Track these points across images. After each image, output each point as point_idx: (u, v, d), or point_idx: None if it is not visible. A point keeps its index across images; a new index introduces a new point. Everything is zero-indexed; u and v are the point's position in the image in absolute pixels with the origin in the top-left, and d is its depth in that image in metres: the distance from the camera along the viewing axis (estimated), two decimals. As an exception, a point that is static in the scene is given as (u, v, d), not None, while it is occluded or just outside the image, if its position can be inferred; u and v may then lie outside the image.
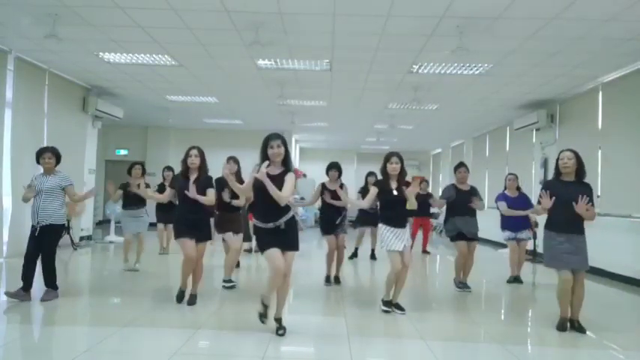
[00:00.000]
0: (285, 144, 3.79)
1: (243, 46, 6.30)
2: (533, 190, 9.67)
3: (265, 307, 3.80)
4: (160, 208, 7.66)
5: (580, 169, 4.13)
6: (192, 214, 4.54)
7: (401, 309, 4.55)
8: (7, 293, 4.54)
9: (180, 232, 4.57)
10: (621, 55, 6.32)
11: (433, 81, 7.93)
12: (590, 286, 6.63)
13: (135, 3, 5.19)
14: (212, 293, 5.24)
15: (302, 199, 9.59)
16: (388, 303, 4.60)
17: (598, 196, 7.53)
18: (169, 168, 8.00)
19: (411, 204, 4.48)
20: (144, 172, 6.57)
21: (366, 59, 6.93)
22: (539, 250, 8.84)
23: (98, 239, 10.04)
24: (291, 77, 8.01)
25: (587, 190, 4.09)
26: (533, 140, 9.98)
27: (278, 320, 3.81)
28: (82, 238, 9.31)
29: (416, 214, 9.01)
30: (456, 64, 7.00)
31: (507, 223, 6.39)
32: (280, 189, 3.62)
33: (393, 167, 4.54)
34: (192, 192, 4.41)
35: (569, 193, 4.03)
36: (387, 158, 4.61)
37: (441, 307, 5.13)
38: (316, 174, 12.80)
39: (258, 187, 3.65)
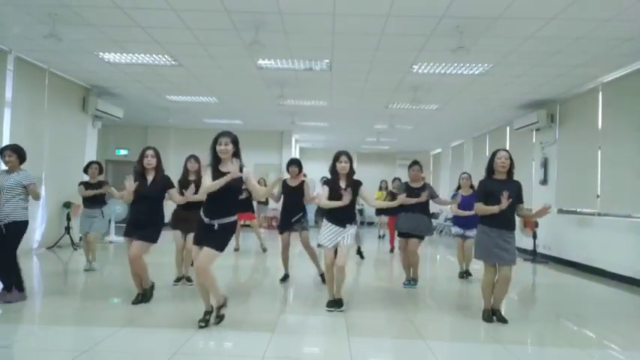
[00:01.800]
0: (234, 142, 3.90)
1: (243, 46, 6.30)
2: (533, 190, 9.70)
3: (205, 312, 3.95)
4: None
5: (511, 168, 4.38)
6: (143, 215, 4.54)
7: (339, 305, 4.55)
8: None
9: (126, 232, 4.61)
10: (621, 55, 6.32)
11: (433, 81, 7.93)
12: (590, 286, 6.71)
13: (135, 3, 5.19)
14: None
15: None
16: (331, 303, 4.62)
17: (598, 196, 7.55)
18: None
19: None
20: (101, 171, 6.58)
21: (366, 59, 6.94)
22: (539, 250, 8.86)
23: (98, 239, 10.01)
24: (291, 77, 8.01)
25: (518, 187, 4.36)
26: (533, 140, 9.98)
27: (217, 309, 3.97)
28: (81, 238, 9.29)
29: (391, 213, 9.11)
30: (455, 64, 7.00)
31: (458, 220, 6.63)
32: (229, 186, 3.76)
33: (342, 166, 4.60)
34: (188, 194, 4.36)
35: (502, 191, 4.22)
36: (337, 157, 4.67)
37: (441, 307, 5.13)
38: (316, 174, 12.80)
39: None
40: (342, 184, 4.60)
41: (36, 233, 7.94)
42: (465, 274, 6.68)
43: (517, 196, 4.29)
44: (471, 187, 6.71)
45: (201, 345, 3.57)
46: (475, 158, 13.80)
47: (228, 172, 3.75)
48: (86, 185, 6.45)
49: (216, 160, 3.90)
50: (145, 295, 4.66)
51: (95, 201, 6.36)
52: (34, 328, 4.02)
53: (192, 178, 5.50)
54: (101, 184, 6.42)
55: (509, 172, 4.38)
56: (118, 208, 10.49)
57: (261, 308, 4.61)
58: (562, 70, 7.08)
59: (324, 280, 5.86)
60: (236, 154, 3.92)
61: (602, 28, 5.40)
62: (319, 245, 4.78)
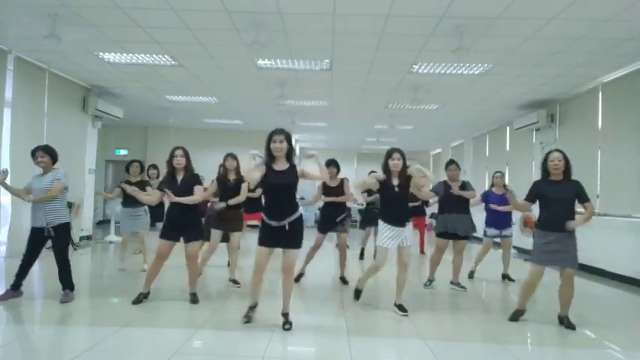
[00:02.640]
0: (288, 140, 3.88)
1: (243, 46, 6.31)
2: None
3: (249, 307, 4.02)
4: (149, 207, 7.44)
5: (567, 169, 4.24)
6: (181, 214, 4.56)
7: (403, 310, 4.54)
8: None
9: (162, 233, 4.64)
10: (621, 55, 6.32)
11: (433, 81, 7.93)
12: (590, 286, 6.70)
13: (135, 3, 5.19)
14: (212, 293, 5.24)
15: (302, 198, 9.62)
16: (359, 292, 4.83)
17: (597, 196, 7.54)
18: (154, 166, 7.69)
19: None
20: (142, 170, 6.57)
21: (366, 59, 6.94)
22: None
23: (98, 239, 10.03)
24: (291, 77, 8.01)
25: (577, 188, 4.22)
26: (533, 140, 9.98)
27: (285, 315, 3.99)
28: (82, 238, 9.30)
29: (416, 214, 9.10)
30: (455, 64, 7.00)
31: (492, 220, 6.59)
32: (288, 183, 3.82)
33: (395, 163, 4.53)
34: (171, 196, 4.45)
35: (559, 193, 4.16)
36: (389, 154, 4.61)
37: (441, 307, 5.14)
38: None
39: (270, 184, 3.83)
40: (395, 181, 4.54)
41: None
42: (505, 278, 6.60)
43: (576, 196, 4.16)
44: (504, 186, 6.69)
45: (201, 345, 3.57)
46: (475, 158, 13.81)
47: (283, 170, 3.83)
48: (128, 184, 6.41)
49: (271, 159, 3.87)
50: (194, 298, 4.75)
51: (136, 200, 6.31)
52: (34, 328, 4.02)
53: (232, 177, 5.50)
54: (144, 183, 6.37)
55: (566, 172, 4.23)
56: (118, 208, 10.50)
57: (261, 308, 4.59)
58: (562, 70, 7.08)
59: (345, 282, 5.92)
60: (290, 152, 3.89)
61: (602, 28, 5.40)
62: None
